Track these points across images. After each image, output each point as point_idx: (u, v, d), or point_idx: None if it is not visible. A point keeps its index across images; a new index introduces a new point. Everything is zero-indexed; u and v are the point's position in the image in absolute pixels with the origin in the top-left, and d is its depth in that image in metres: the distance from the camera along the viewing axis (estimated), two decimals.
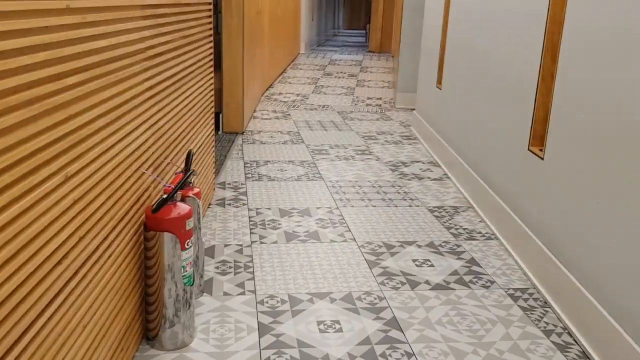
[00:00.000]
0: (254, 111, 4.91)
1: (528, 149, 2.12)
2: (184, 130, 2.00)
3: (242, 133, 4.09)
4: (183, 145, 1.99)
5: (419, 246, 2.24)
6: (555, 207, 1.88)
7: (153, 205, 1.43)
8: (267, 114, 4.83)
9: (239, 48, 3.91)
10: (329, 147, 3.81)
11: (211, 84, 2.62)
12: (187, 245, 1.45)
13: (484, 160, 2.65)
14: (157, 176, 1.56)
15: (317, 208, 2.63)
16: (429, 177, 3.19)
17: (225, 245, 2.15)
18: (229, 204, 2.63)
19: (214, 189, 2.76)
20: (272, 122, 4.51)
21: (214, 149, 2.71)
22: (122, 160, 1.35)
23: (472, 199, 2.75)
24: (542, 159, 1.99)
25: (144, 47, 1.48)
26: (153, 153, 1.59)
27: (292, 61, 8.29)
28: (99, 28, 1.17)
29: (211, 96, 2.63)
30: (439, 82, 3.69)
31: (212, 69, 2.61)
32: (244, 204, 2.63)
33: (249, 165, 3.30)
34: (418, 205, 2.71)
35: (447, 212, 2.64)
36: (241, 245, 2.17)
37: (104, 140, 1.24)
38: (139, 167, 1.46)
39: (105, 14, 1.20)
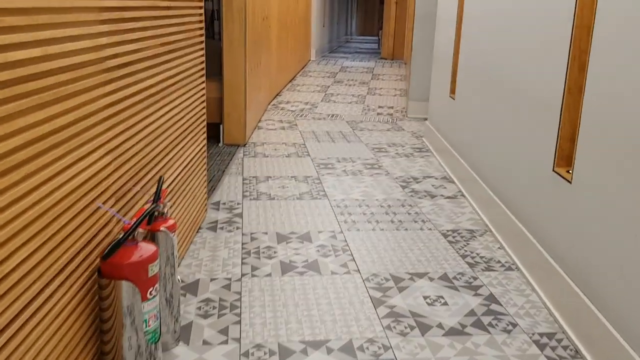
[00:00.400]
0: (259, 121, 4.69)
1: (553, 170, 1.86)
2: (163, 150, 1.78)
3: (245, 145, 3.87)
4: (161, 168, 1.76)
5: (431, 279, 1.98)
6: (585, 238, 1.62)
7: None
8: (273, 124, 4.61)
9: (241, 56, 3.70)
10: (336, 160, 3.57)
11: (202, 95, 2.39)
12: (150, 294, 1.22)
13: (502, 179, 2.39)
14: (117, 211, 1.33)
15: (319, 232, 2.38)
16: (442, 195, 2.93)
17: (212, 280, 1.92)
18: (222, 228, 2.39)
19: (206, 211, 2.54)
20: (277, 133, 4.29)
21: (205, 166, 2.49)
22: (70, 190, 1.12)
23: (490, 222, 2.48)
24: (570, 182, 1.73)
25: (102, 57, 1.26)
26: (116, 181, 1.36)
27: (302, 68, 8.08)
28: (28, 34, 0.94)
29: (202, 108, 2.41)
30: (452, 91, 3.44)
31: (203, 78, 2.39)
32: (238, 228, 2.40)
33: (248, 181, 3.07)
34: (430, 229, 2.46)
35: (462, 237, 2.38)
36: (230, 279, 1.93)
37: (46, 167, 1.02)
38: (95, 199, 1.23)
39: (38, 17, 0.97)
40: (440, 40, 3.87)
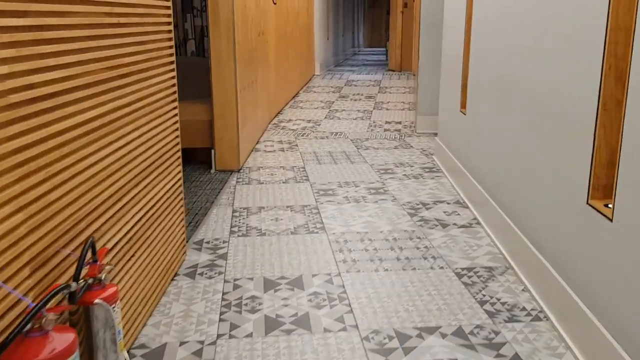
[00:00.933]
0: (257, 142, 4.42)
1: (587, 203, 1.55)
2: (114, 195, 1.50)
3: (239, 171, 3.59)
4: (110, 218, 1.48)
5: (444, 335, 1.67)
6: (630, 290, 1.31)
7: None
8: (272, 146, 4.33)
9: (231, 74, 3.43)
10: (338, 185, 3.27)
11: (175, 122, 2.12)
12: None
13: (523, 208, 2.08)
14: (19, 291, 1.04)
15: (313, 276, 2.09)
16: (455, 224, 2.62)
17: (181, 344, 1.63)
18: (201, 274, 2.11)
19: (185, 253, 2.25)
20: (275, 156, 4.01)
21: (182, 202, 2.21)
22: None
23: (511, 256, 2.17)
24: (611, 220, 1.42)
25: (11, 88, 0.99)
26: (31, 246, 1.08)
27: (306, 84, 7.83)
28: None
29: (176, 137, 2.13)
30: (463, 105, 3.14)
31: (175, 103, 2.12)
32: (220, 273, 2.11)
33: (238, 214, 2.78)
34: (442, 267, 2.15)
35: (479, 277, 2.07)
36: (203, 342, 1.64)
37: None
38: None
39: None
40: (447, 49, 3.57)
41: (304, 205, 2.92)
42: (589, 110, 1.55)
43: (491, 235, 2.44)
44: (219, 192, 3.14)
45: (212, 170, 3.59)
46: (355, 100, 6.57)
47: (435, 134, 4.59)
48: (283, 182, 3.34)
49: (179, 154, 2.16)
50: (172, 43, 2.07)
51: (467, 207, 2.85)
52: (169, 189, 2.05)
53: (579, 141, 1.61)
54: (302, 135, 4.73)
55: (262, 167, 3.69)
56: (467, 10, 3.07)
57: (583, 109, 1.58)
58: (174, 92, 2.10)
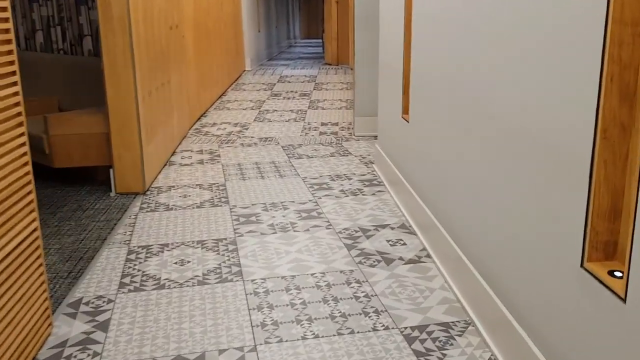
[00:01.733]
0: (172, 153, 3.86)
1: (582, 267, 1.14)
2: None
3: (144, 193, 3.04)
4: None
5: None
6: None
7: None
8: (189, 157, 3.79)
9: (129, 78, 2.86)
10: (262, 208, 2.78)
11: (23, 153, 1.57)
12: None
13: (484, 251, 1.66)
14: None
15: (221, 353, 1.59)
16: (401, 258, 2.19)
17: None
18: (69, 357, 1.57)
19: (51, 325, 1.70)
20: (192, 170, 3.47)
21: (40, 253, 1.66)
22: None
23: (470, 306, 1.75)
24: (623, 299, 1.01)
25: None
26: None
27: (234, 81, 7.26)
28: None
29: (26, 174, 1.58)
30: (405, 111, 2.72)
31: (20, 118, 1.56)
32: (94, 355, 1.58)
33: (134, 255, 2.25)
34: (387, 327, 1.71)
35: (434, 340, 1.64)
36: None
37: None
38: None
39: None
40: (385, 47, 3.14)
41: (218, 239, 2.41)
42: (582, 138, 1.13)
43: (444, 274, 2.02)
44: (115, 225, 2.59)
45: (112, 194, 3.01)
46: (288, 98, 6.08)
47: (376, 137, 4.18)
48: (197, 207, 2.82)
49: (32, 195, 1.61)
50: (10, 37, 1.51)
51: (414, 234, 2.43)
52: (20, 242, 1.51)
53: (569, 180, 1.19)
54: (227, 143, 4.20)
55: (174, 187, 3.15)
56: (405, 4, 2.64)
57: (573, 137, 1.17)
58: (17, 103, 1.54)
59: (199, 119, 5.05)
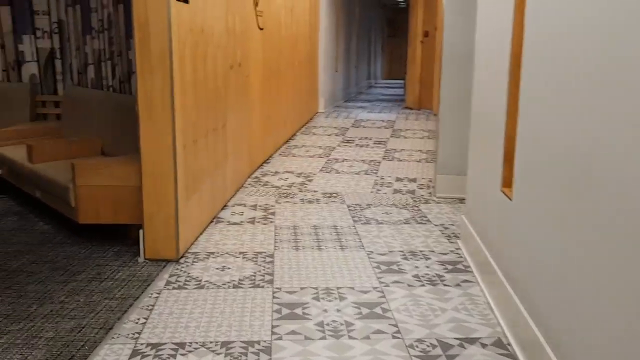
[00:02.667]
0: (223, 207, 3.41)
1: None
2: None
3: (177, 261, 2.57)
4: None
5: None
6: None
7: None
8: (241, 213, 3.32)
9: (166, 124, 2.44)
10: (313, 295, 2.23)
11: None
12: None
13: None
14: None
15: None
16: None
17: None
18: None
19: None
20: (240, 232, 2.99)
21: None
22: None
23: None
24: None
25: None
26: None
27: (305, 124, 6.85)
28: None
29: None
30: (507, 184, 2.10)
31: None
32: None
33: (138, 358, 1.75)
34: None
35: None
36: None
37: None
38: None
39: None
40: (481, 94, 2.56)
41: (249, 341, 1.87)
42: None
43: None
44: (130, 306, 2.12)
45: (140, 259, 2.57)
46: (361, 146, 5.56)
47: (462, 200, 3.55)
48: (233, 286, 2.31)
49: None
50: None
51: (515, 359, 1.78)
52: None
53: None
54: (286, 196, 3.71)
55: (213, 254, 2.67)
56: (513, 38, 2.06)
57: None
58: None
59: (260, 165, 4.62)
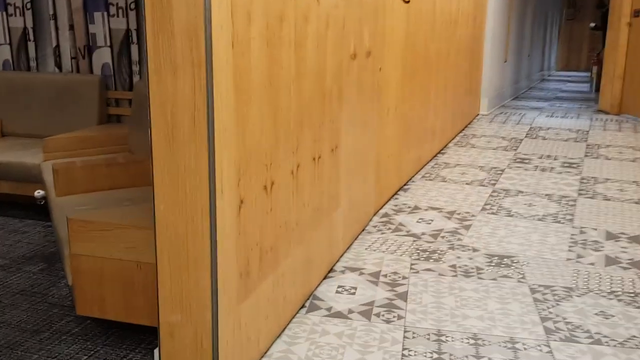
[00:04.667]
0: (324, 278, 2.28)
1: None
2: None
3: None
4: None
5: None
6: None
7: None
8: (351, 292, 2.17)
9: (199, 156, 1.36)
10: None
11: None
12: None
13: None
14: None
15: None
16: None
17: None
18: None
19: None
20: (341, 336, 1.84)
21: None
22: None
23: None
24: None
25: None
26: None
27: (461, 131, 5.49)
28: None
29: None
30: None
31: None
32: None
33: None
34: None
35: None
36: None
37: None
38: None
39: None
40: None
41: None
42: None
43: None
44: None
45: None
46: (543, 169, 4.10)
47: None
48: None
49: None
50: None
51: None
52: None
53: None
54: (427, 259, 2.49)
55: None
56: None
57: None
58: None
59: (394, 195, 3.43)
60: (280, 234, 1.76)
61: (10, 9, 3.60)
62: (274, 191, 1.69)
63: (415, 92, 3.65)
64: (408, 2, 3.28)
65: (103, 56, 3.44)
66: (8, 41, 3.65)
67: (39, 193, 2.99)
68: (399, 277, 2.32)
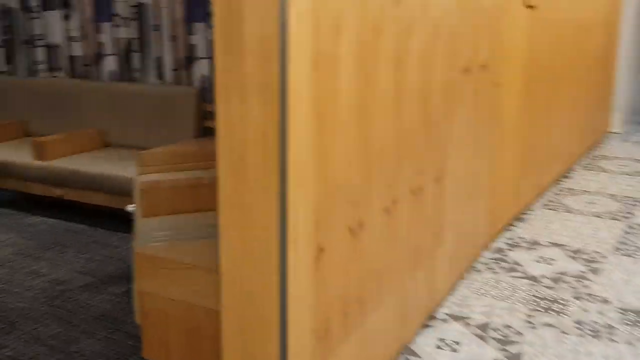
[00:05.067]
0: (426, 324, 1.99)
1: None
2: None
3: None
4: None
5: None
6: None
7: None
8: (453, 349, 1.88)
9: (268, 200, 1.15)
10: None
11: None
12: None
13: None
14: None
15: None
16: None
17: None
18: None
19: None
20: None
21: None
22: None
23: None
24: None
25: None
26: None
27: (588, 151, 4.93)
28: None
29: None
30: None
31: None
32: None
33: None
34: None
35: None
36: None
37: None
38: None
39: None
40: None
41: None
42: None
43: None
44: None
45: None
46: None
47: None
48: None
49: None
50: None
51: None
52: None
53: None
54: (547, 309, 2.13)
55: None
56: None
57: None
58: None
59: (508, 226, 3.06)
60: (368, 283, 1.51)
61: (118, 20, 3.64)
62: (363, 233, 1.45)
63: (537, 108, 3.26)
64: (532, 7, 2.92)
65: (202, 68, 3.37)
66: (114, 52, 3.70)
67: (131, 207, 2.94)
68: (512, 333, 1.99)
